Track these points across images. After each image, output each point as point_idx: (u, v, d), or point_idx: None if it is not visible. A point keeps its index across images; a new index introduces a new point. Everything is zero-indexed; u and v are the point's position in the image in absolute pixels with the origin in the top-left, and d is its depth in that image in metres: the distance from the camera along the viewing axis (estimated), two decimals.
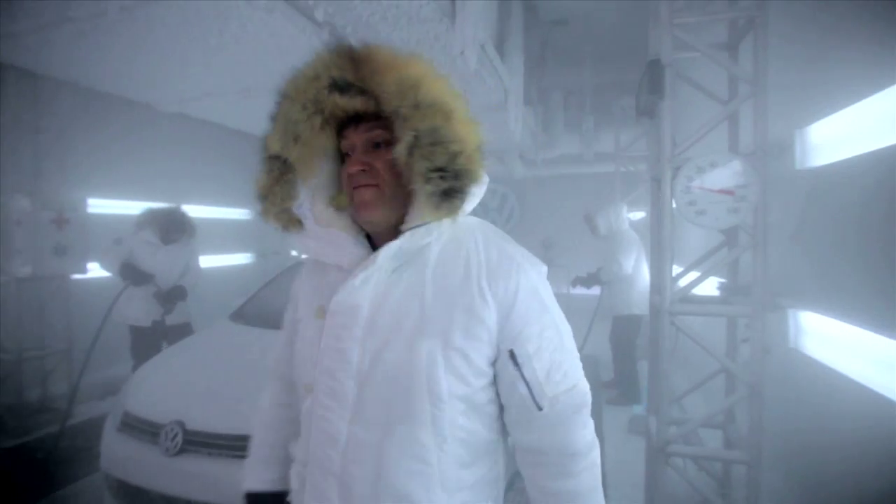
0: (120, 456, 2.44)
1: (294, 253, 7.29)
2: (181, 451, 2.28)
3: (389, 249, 0.79)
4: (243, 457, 2.26)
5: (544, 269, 0.88)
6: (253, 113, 5.12)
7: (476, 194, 0.82)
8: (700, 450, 2.30)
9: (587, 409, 0.84)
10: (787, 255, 2.32)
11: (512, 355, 0.81)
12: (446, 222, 0.81)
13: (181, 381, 2.69)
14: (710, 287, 2.60)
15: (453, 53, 2.86)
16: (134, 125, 4.87)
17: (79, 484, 2.99)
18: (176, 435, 2.31)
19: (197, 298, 4.40)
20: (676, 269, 2.34)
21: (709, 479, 2.57)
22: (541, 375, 0.81)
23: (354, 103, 0.78)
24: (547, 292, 0.86)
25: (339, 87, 0.77)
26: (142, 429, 2.44)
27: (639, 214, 6.44)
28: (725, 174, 2.03)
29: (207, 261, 5.98)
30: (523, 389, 0.81)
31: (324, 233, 0.85)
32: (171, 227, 3.76)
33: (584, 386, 0.85)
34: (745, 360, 2.15)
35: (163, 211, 3.78)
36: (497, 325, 0.80)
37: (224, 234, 5.07)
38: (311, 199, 0.85)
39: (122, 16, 2.70)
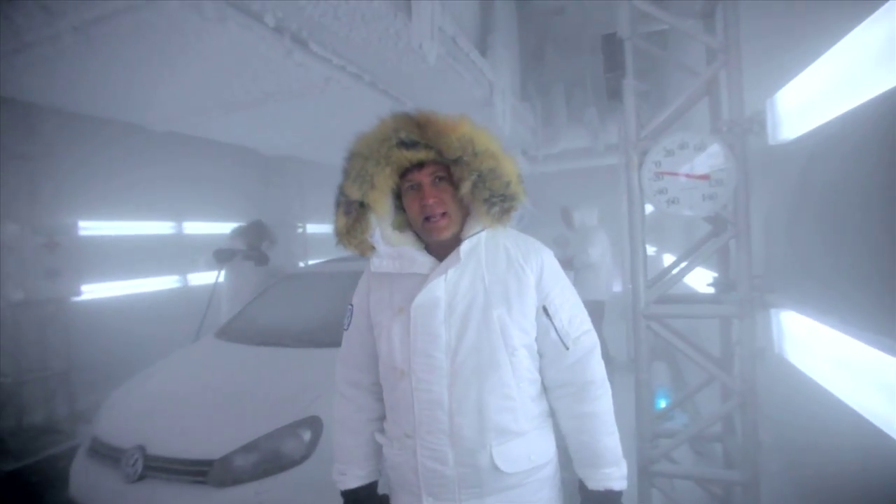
0: (86, 483, 2.38)
1: (302, 265, 7.28)
2: (141, 478, 2.20)
3: (467, 248, 1.09)
4: (203, 483, 2.18)
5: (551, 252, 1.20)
6: (239, 126, 5.15)
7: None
8: (685, 469, 2.05)
9: (598, 351, 1.15)
10: (783, 245, 2.05)
11: (545, 310, 1.12)
12: (487, 230, 1.11)
13: (151, 403, 2.63)
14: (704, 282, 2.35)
15: (415, 48, 2.71)
16: (124, 146, 4.93)
17: None
18: (136, 461, 2.23)
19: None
20: (669, 261, 2.11)
21: (710, 498, 2.31)
22: (565, 323, 1.12)
23: (420, 155, 1.07)
24: (558, 267, 1.18)
25: (406, 144, 1.06)
26: (106, 454, 2.38)
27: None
28: (699, 157, 1.80)
29: (208, 277, 6.02)
30: (554, 335, 1.12)
31: (396, 251, 1.13)
32: (254, 237, 4.32)
33: (594, 333, 1.17)
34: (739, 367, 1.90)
35: (248, 225, 4.44)
36: (535, 288, 1.11)
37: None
38: (381, 228, 1.13)
39: (77, 38, 2.68)
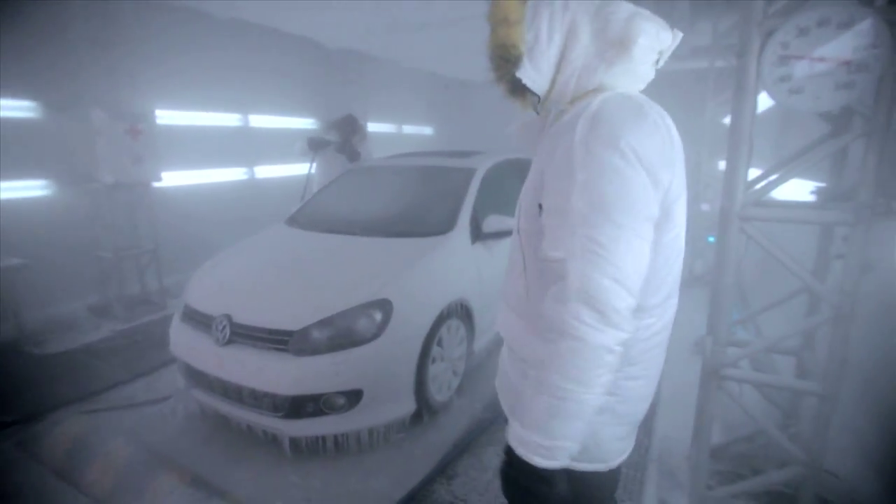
0: (183, 343, 2.69)
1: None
2: (229, 342, 2.45)
3: (514, 126, 1.12)
4: (284, 350, 2.39)
5: (612, 145, 0.83)
6: (306, 14, 4.94)
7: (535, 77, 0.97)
8: (759, 376, 2.02)
9: (562, 288, 0.84)
10: None
11: (540, 207, 0.94)
12: (561, 99, 0.98)
13: (234, 278, 2.85)
14: (800, 195, 2.14)
15: None
16: (194, 34, 4.90)
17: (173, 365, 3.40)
18: (224, 326, 2.47)
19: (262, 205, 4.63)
20: (755, 172, 1.92)
21: (773, 409, 2.30)
22: (546, 229, 0.90)
23: None
24: (585, 165, 0.84)
25: None
26: (198, 320, 2.65)
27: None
28: (841, 37, 1.53)
29: (272, 170, 6.20)
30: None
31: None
32: (347, 130, 4.47)
33: (567, 268, 0.83)
34: (837, 280, 1.77)
35: (341, 119, 4.55)
36: (541, 179, 0.94)
37: (289, 144, 5.24)
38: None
39: None
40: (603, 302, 0.81)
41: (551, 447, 0.87)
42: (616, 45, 0.92)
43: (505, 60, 0.96)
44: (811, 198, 2.08)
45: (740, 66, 1.74)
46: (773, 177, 1.84)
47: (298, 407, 2.32)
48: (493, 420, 2.68)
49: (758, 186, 1.81)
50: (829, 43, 1.55)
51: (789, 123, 4.30)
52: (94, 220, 4.38)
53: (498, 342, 3.48)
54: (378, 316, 2.40)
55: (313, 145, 4.31)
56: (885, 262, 1.67)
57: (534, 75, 0.95)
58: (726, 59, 5.90)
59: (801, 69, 1.59)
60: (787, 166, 1.95)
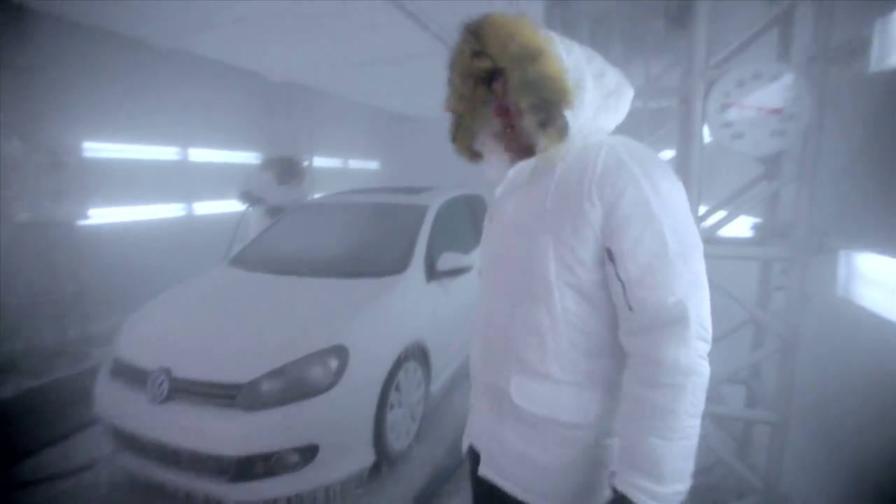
0: (110, 401, 2.40)
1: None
2: (168, 399, 2.21)
3: (515, 169, 1.00)
4: (230, 406, 2.18)
5: (673, 183, 0.89)
6: (251, 46, 4.84)
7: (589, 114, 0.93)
8: (716, 408, 2.08)
9: (685, 329, 0.84)
10: (841, 188, 1.96)
11: (609, 253, 0.89)
12: (574, 142, 0.94)
13: (172, 327, 2.60)
14: (741, 230, 2.28)
15: None
16: (130, 63, 4.64)
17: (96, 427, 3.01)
18: (162, 382, 2.23)
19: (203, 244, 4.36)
20: (702, 209, 2.03)
21: (728, 439, 2.36)
22: (633, 276, 0.86)
23: (484, 64, 0.97)
24: (663, 205, 0.87)
25: (476, 54, 0.98)
26: (130, 375, 2.38)
27: (667, 154, 5.94)
28: (773, 89, 1.67)
29: (212, 207, 5.91)
30: (618, 287, 0.89)
31: (490, 159, 1.08)
32: (285, 172, 4.42)
33: (688, 307, 0.84)
34: (778, 311, 1.87)
35: (279, 159, 4.53)
36: (601, 224, 0.89)
37: (230, 179, 5.01)
38: (480, 136, 1.09)
39: None
40: (708, 331, 0.86)
41: (684, 490, 0.86)
42: (616, 93, 0.95)
43: (563, 94, 0.90)
44: (749, 233, 2.22)
45: (686, 111, 1.85)
46: (722, 214, 1.95)
47: (247, 468, 2.11)
48: (455, 467, 2.57)
49: (707, 224, 1.90)
50: (761, 93, 1.68)
51: (722, 161, 4.66)
52: (2, 262, 3.91)
53: (455, 381, 3.41)
54: (334, 364, 2.26)
55: (245, 200, 4.32)
56: (820, 294, 1.79)
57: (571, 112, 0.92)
58: (658, 100, 6.36)
59: (740, 116, 1.72)
60: (730, 204, 2.08)
